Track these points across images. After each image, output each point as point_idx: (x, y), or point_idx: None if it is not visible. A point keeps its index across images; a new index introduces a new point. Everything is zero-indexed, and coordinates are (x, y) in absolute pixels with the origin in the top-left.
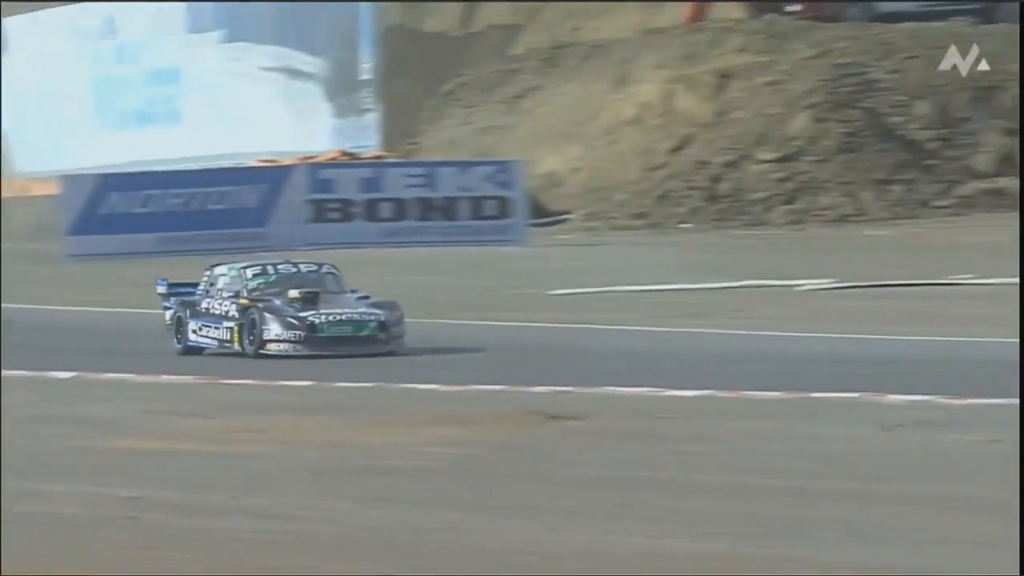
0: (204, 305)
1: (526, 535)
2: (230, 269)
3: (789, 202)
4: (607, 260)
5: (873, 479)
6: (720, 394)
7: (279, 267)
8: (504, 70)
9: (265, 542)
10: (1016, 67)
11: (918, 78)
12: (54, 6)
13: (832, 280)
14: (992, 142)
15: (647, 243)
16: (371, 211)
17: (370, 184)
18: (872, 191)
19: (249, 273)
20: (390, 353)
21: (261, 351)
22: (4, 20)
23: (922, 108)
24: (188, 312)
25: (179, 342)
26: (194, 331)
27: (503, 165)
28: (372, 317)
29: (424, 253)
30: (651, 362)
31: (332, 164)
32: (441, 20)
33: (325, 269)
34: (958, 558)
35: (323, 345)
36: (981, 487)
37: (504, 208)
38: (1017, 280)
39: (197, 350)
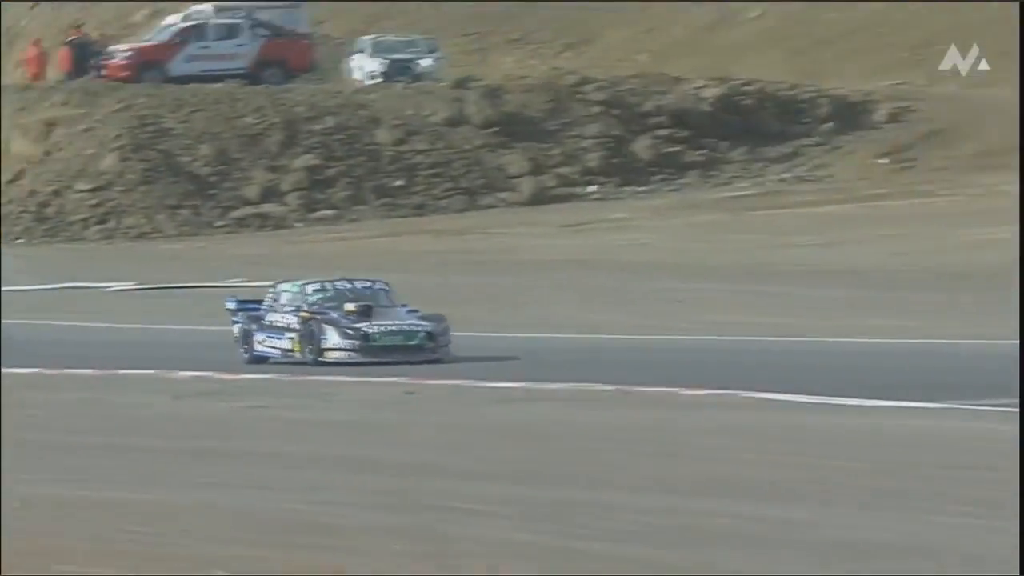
0: (268, 319)
1: None
2: (292, 286)
3: (102, 223)
4: None
5: (163, 437)
6: (47, 371)
7: (336, 284)
8: None
9: None
10: None
11: (202, 126)
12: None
13: (135, 282)
14: (259, 177)
15: None
16: None
17: None
18: (166, 214)
19: (309, 289)
20: (437, 360)
21: (320, 359)
22: None
23: (205, 150)
24: (255, 325)
25: (246, 352)
26: (260, 342)
27: None
28: (421, 328)
29: None
30: None
31: None
32: None
33: (378, 285)
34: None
35: (376, 353)
36: (248, 441)
37: None
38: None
39: (263, 359)
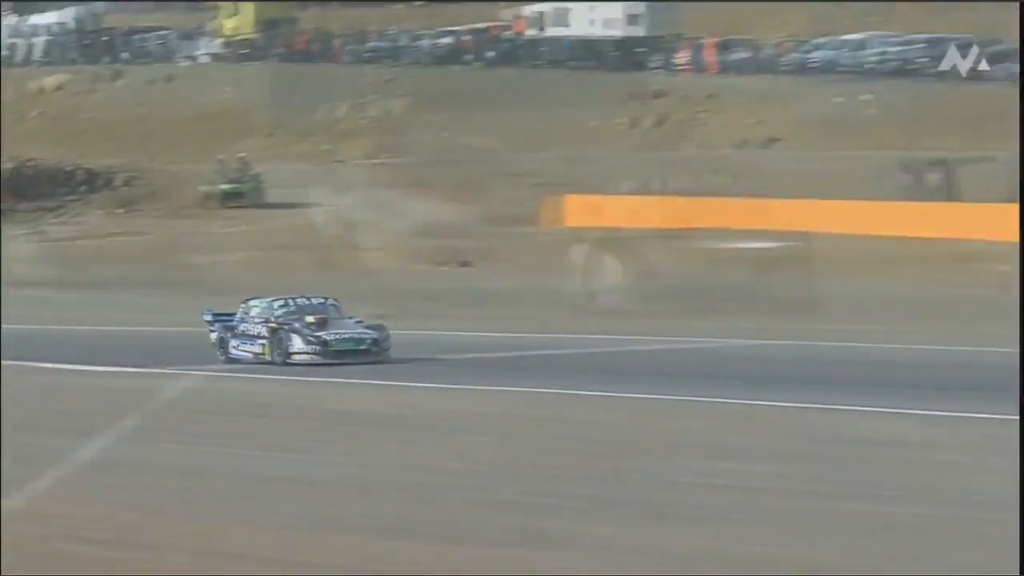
0: (241, 328)
1: None
2: (261, 302)
3: None
4: None
5: None
6: None
7: (297, 300)
8: None
9: None
10: None
11: None
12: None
13: None
14: None
15: None
16: None
17: None
18: None
19: (276, 305)
20: (380, 362)
21: (288, 361)
22: None
23: None
24: (229, 334)
25: (223, 355)
26: (234, 347)
27: None
28: (368, 336)
29: None
30: None
31: None
32: None
33: (329, 302)
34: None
35: (333, 356)
36: None
37: None
38: None
39: (237, 360)
